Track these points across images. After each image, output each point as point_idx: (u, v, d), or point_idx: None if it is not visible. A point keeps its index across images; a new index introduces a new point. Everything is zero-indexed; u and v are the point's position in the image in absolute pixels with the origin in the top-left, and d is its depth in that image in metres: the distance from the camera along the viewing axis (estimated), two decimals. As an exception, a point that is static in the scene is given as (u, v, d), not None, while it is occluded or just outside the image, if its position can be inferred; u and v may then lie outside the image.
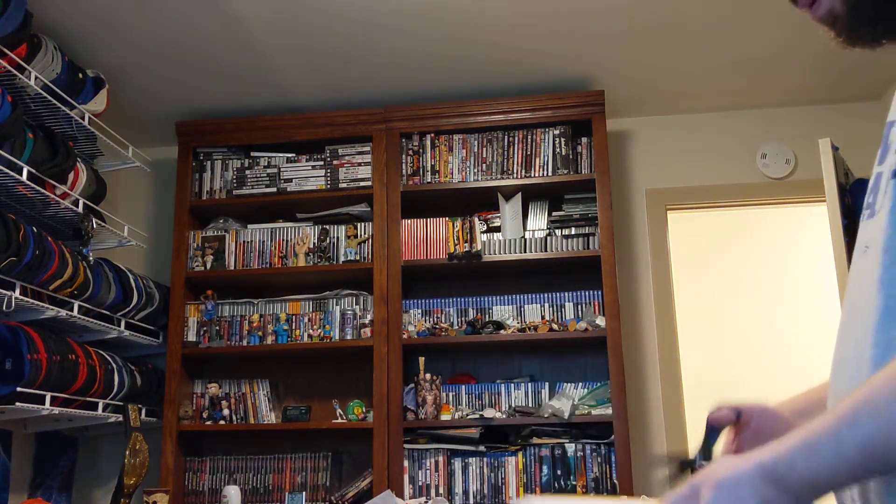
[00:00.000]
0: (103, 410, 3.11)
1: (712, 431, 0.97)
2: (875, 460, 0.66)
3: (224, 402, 3.52)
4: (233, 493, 3.28)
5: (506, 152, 3.52)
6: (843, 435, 0.66)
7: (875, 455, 0.66)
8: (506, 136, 3.53)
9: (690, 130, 3.85)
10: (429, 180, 3.54)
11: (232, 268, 3.58)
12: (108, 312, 3.20)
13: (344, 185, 3.57)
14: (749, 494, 0.69)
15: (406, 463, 3.28)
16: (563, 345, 3.45)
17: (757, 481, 0.69)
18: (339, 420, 3.44)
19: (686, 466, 1.05)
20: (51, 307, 2.81)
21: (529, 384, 3.40)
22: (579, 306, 3.42)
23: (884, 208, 0.76)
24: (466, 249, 3.40)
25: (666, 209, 3.78)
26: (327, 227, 3.58)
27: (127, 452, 3.02)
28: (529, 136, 3.52)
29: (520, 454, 3.26)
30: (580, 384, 3.36)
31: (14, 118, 2.59)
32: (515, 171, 3.50)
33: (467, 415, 3.31)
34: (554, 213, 3.50)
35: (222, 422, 3.50)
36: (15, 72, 2.67)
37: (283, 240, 3.60)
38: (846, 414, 0.67)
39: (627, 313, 3.60)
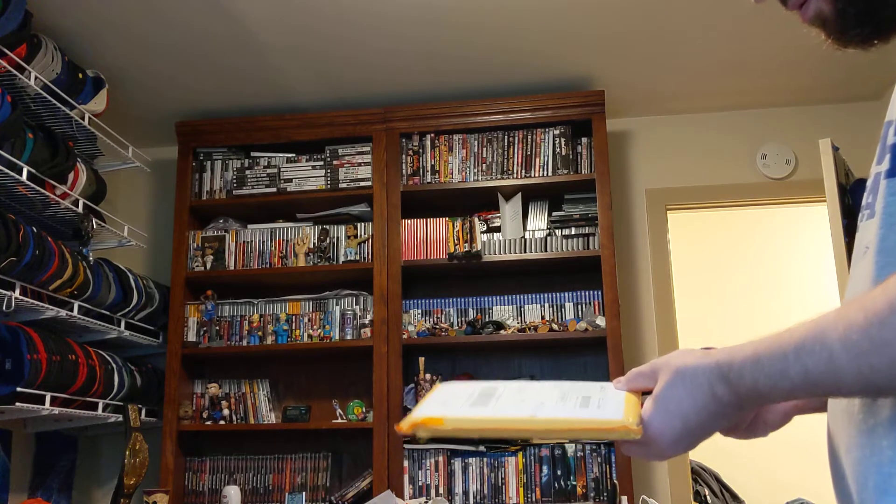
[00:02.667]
0: (103, 410, 3.11)
1: None
2: (816, 387, 0.70)
3: (224, 402, 3.52)
4: (233, 493, 3.27)
5: (506, 152, 3.52)
6: (790, 361, 0.70)
7: (816, 383, 0.69)
8: (506, 136, 3.53)
9: (690, 130, 3.85)
10: (429, 180, 3.54)
11: (232, 268, 3.58)
12: (108, 312, 3.20)
13: (344, 185, 3.57)
14: (702, 385, 0.76)
15: (406, 463, 3.28)
16: (563, 345, 3.45)
17: (712, 377, 0.76)
18: (339, 420, 3.44)
19: None
20: (51, 307, 2.81)
21: (529, 384, 3.39)
22: (579, 306, 3.42)
23: (878, 208, 0.76)
24: (466, 249, 3.40)
25: (666, 209, 3.77)
26: (327, 227, 3.58)
27: (127, 452, 3.02)
28: (529, 136, 3.52)
29: (520, 454, 3.26)
30: (580, 384, 3.35)
31: (14, 118, 2.59)
32: (515, 171, 3.50)
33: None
34: (554, 213, 3.50)
35: (222, 422, 3.50)
36: (15, 72, 2.67)
37: (283, 240, 3.60)
38: (796, 341, 0.70)
39: (627, 313, 3.60)
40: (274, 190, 3.60)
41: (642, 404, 0.81)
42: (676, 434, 0.78)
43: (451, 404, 0.84)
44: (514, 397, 0.85)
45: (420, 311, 3.50)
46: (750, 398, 0.75)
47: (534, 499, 3.21)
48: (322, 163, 3.61)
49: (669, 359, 0.81)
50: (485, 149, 3.54)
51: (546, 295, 3.45)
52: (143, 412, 3.35)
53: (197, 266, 3.59)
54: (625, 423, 0.77)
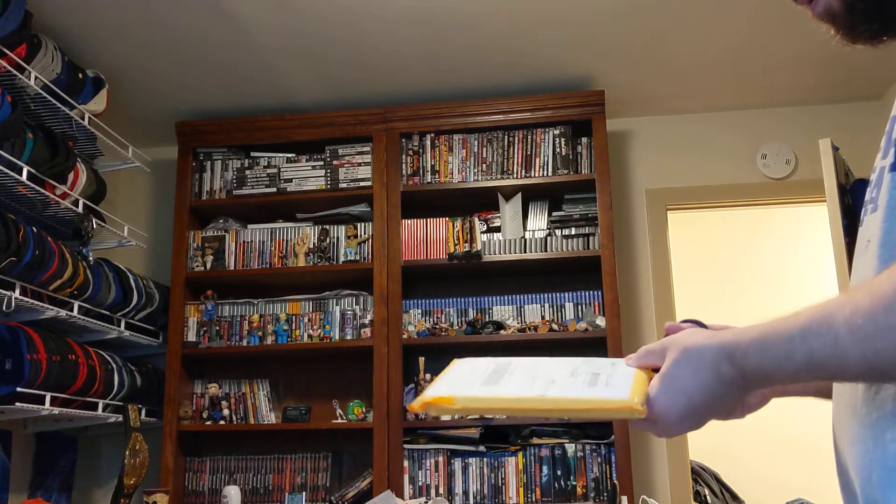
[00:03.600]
0: (103, 410, 3.11)
1: None
2: (820, 370, 0.71)
3: (224, 402, 3.52)
4: (233, 494, 3.27)
5: (506, 152, 3.52)
6: (796, 342, 0.71)
7: (820, 366, 0.70)
8: (506, 136, 3.53)
9: (690, 130, 3.85)
10: (429, 180, 3.54)
11: (232, 268, 3.58)
12: (108, 312, 3.20)
13: (344, 185, 3.57)
14: (707, 365, 0.78)
15: (406, 463, 3.28)
16: (563, 345, 3.45)
17: (717, 356, 0.77)
18: (339, 420, 3.44)
19: None
20: (51, 307, 2.81)
21: (529, 384, 3.38)
22: (579, 306, 3.42)
23: (882, 202, 0.76)
24: (466, 249, 3.40)
25: (666, 209, 3.77)
26: (327, 227, 3.58)
27: (127, 452, 3.02)
28: (529, 136, 3.52)
29: (520, 454, 3.26)
30: (580, 384, 3.35)
31: (14, 118, 2.59)
32: (515, 171, 3.50)
33: (467, 415, 3.31)
34: (554, 213, 3.50)
35: (222, 422, 3.49)
36: (15, 72, 2.67)
37: (283, 240, 3.60)
38: (803, 324, 0.71)
39: (627, 313, 3.60)
40: (274, 190, 3.60)
41: (651, 381, 0.82)
42: (681, 412, 0.79)
43: (462, 383, 0.87)
44: (525, 375, 0.87)
45: (420, 311, 3.50)
46: (755, 379, 0.76)
47: (534, 499, 3.21)
48: (322, 163, 3.61)
49: (679, 338, 0.82)
50: (485, 149, 3.54)
51: (546, 295, 3.45)
52: (143, 412, 3.35)
53: (197, 266, 3.59)
54: (629, 404, 0.79)
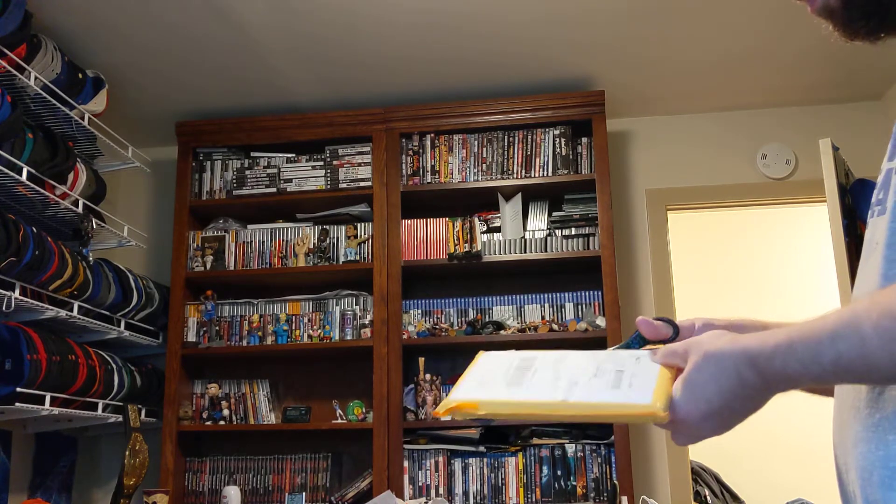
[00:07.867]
0: (103, 411, 3.11)
1: (639, 339, 0.96)
2: (847, 373, 0.71)
3: (224, 403, 3.52)
4: (233, 494, 3.27)
5: (506, 152, 3.52)
6: (823, 346, 0.70)
7: (847, 369, 0.70)
8: (506, 136, 3.53)
9: (690, 130, 3.84)
10: (429, 180, 3.54)
11: (232, 268, 3.58)
12: (107, 313, 3.20)
13: (344, 186, 3.57)
14: (728, 370, 0.77)
15: (406, 463, 3.28)
16: (563, 345, 3.45)
17: (739, 362, 0.76)
18: (339, 420, 3.44)
19: None
20: (51, 307, 2.81)
21: (529, 384, 3.38)
22: (579, 306, 3.42)
23: (890, 204, 0.76)
24: (466, 250, 3.40)
25: (666, 209, 3.77)
26: (327, 227, 3.58)
27: (127, 453, 3.02)
28: (529, 136, 3.52)
29: (520, 454, 3.26)
30: (580, 384, 3.35)
31: (14, 118, 2.59)
32: (515, 171, 3.50)
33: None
34: (554, 214, 3.50)
35: (222, 422, 3.49)
36: (15, 72, 2.67)
37: (283, 240, 3.60)
38: (831, 327, 0.71)
39: (627, 313, 3.60)
40: (274, 190, 3.60)
41: (674, 383, 0.82)
42: (702, 416, 0.78)
43: (487, 384, 0.86)
44: (548, 374, 0.86)
45: (420, 311, 3.50)
46: (778, 382, 0.75)
47: (534, 499, 3.21)
48: (322, 163, 3.61)
49: (701, 341, 0.81)
50: (485, 149, 3.54)
51: (546, 295, 3.45)
52: (143, 412, 3.35)
53: (197, 266, 3.59)
54: (652, 410, 0.78)
